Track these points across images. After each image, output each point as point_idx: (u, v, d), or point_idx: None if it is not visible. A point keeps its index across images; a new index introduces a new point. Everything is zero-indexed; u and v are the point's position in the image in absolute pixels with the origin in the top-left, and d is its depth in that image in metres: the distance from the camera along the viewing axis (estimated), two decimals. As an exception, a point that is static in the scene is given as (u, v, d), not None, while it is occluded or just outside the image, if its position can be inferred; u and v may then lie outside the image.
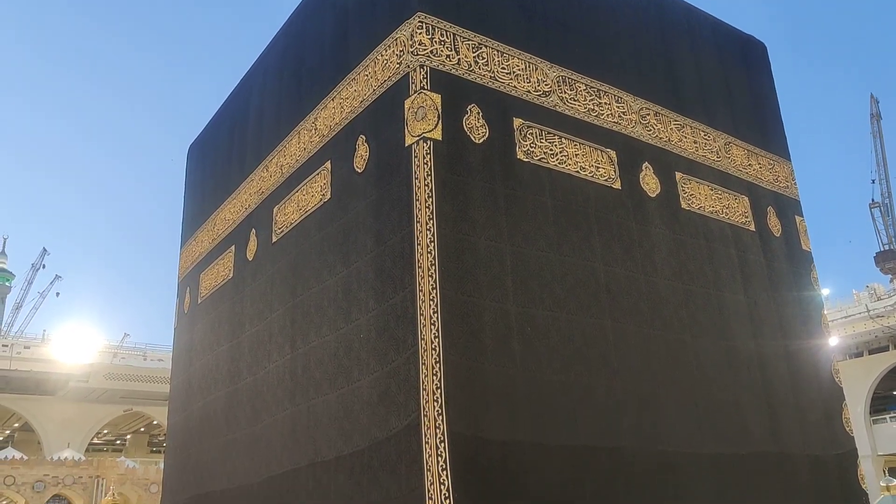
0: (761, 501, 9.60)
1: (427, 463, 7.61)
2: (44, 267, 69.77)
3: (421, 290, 8.23)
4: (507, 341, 8.59)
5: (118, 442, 62.70)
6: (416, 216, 8.53)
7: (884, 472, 34.00)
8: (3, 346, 53.28)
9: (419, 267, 8.35)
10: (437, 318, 8.04)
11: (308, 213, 11.17)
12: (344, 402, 9.43)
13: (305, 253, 11.07)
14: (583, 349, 9.20)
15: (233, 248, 13.85)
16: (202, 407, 13.95)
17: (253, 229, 13.05)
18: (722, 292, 11.15)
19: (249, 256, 13.00)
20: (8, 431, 58.23)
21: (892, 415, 39.73)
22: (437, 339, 7.96)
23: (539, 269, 9.18)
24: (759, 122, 13.71)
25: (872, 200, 70.73)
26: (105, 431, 58.63)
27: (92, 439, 55.58)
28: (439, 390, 7.79)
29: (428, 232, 8.41)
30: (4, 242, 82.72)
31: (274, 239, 12.15)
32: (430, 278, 8.22)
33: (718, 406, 10.31)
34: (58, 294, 72.11)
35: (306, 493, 9.84)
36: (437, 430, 7.65)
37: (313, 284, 10.64)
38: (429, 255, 8.32)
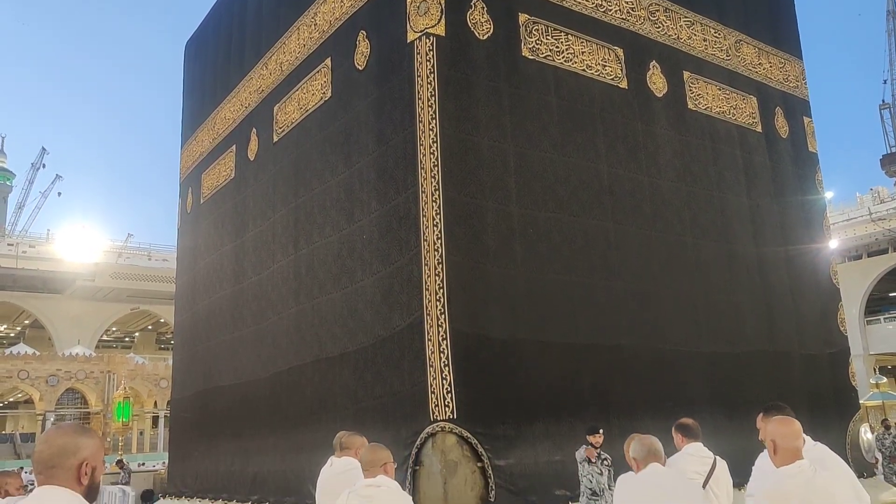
0: (754, 397, 9.89)
1: (429, 359, 7.80)
2: (44, 166, 69.51)
3: (423, 191, 8.21)
4: (509, 242, 8.64)
5: (127, 339, 64.18)
6: (419, 115, 8.41)
7: (874, 370, 34.90)
8: (8, 244, 53.77)
9: (421, 167, 8.30)
10: (440, 219, 8.06)
11: (309, 111, 11.00)
12: (348, 302, 9.58)
13: (307, 153, 10.98)
14: (584, 250, 9.26)
15: (234, 147, 13.73)
16: (208, 305, 14.20)
17: (254, 128, 12.89)
18: (725, 194, 11.12)
19: (251, 156, 12.91)
20: (19, 328, 59.55)
21: (886, 316, 40.43)
22: (439, 240, 8.00)
23: (542, 171, 9.13)
24: (772, 19, 13.28)
25: (883, 101, 69.35)
26: (114, 329, 59.93)
27: (101, 336, 56.87)
28: (441, 290, 7.89)
29: (430, 132, 8.30)
30: (3, 141, 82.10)
31: (275, 138, 12.03)
32: (432, 179, 8.18)
33: (717, 306, 10.48)
34: (59, 194, 72.10)
35: (312, 388, 10.14)
36: (440, 329, 7.81)
37: (315, 185, 10.61)
38: (431, 155, 8.25)
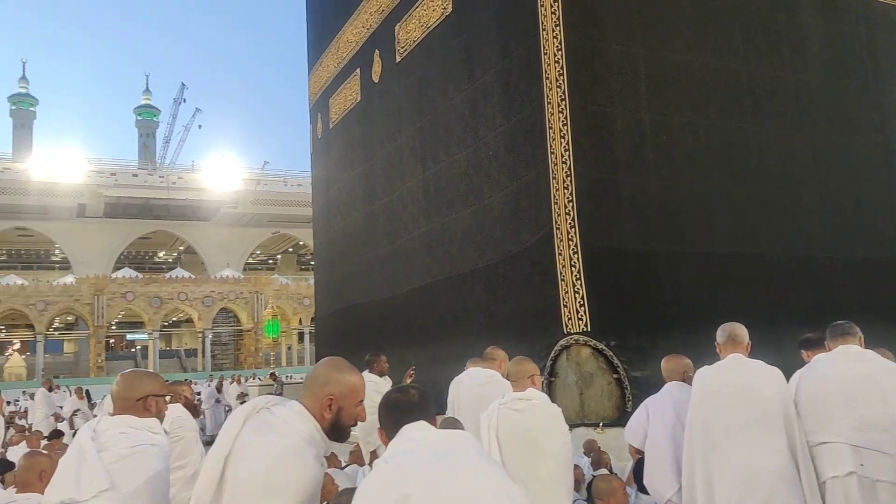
0: (912, 305, 9.23)
1: (561, 274, 7.78)
2: (184, 101, 73.27)
3: (549, 103, 8.01)
4: (641, 151, 8.33)
5: (270, 261, 68.04)
6: (542, 23, 8.13)
7: None
8: (160, 177, 57.72)
9: (546, 78, 8.07)
10: (567, 130, 7.86)
11: (430, 28, 10.89)
12: (476, 219, 9.65)
13: (430, 71, 10.93)
14: (721, 156, 8.79)
15: (358, 70, 13.88)
16: (343, 227, 14.74)
17: (376, 50, 12.94)
18: (883, 86, 10.11)
19: (375, 78, 13.01)
20: (175, 254, 64.45)
21: None
22: (567, 153, 7.83)
23: (675, 74, 8.65)
24: None
25: None
26: (257, 252, 63.66)
27: (247, 259, 60.65)
28: (571, 203, 7.77)
29: (554, 39, 8.02)
30: (147, 79, 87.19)
31: (398, 58, 12.04)
32: (558, 89, 7.96)
33: (871, 209, 9.70)
34: (200, 126, 76.00)
35: (446, 304, 10.41)
36: (570, 243, 7.73)
37: (439, 103, 10.59)
38: (556, 64, 7.99)
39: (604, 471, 5.61)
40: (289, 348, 52.55)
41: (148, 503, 2.39)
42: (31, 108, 77.74)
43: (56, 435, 9.13)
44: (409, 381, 6.97)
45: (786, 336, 7.47)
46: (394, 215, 12.17)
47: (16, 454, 6.68)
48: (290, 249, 66.15)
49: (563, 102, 7.89)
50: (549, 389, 7.61)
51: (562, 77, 7.93)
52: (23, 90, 77.86)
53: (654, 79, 8.47)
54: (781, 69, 9.33)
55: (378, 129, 12.90)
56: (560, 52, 7.98)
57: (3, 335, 51.93)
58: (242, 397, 17.06)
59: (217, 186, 55.96)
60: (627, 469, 5.75)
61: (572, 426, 5.33)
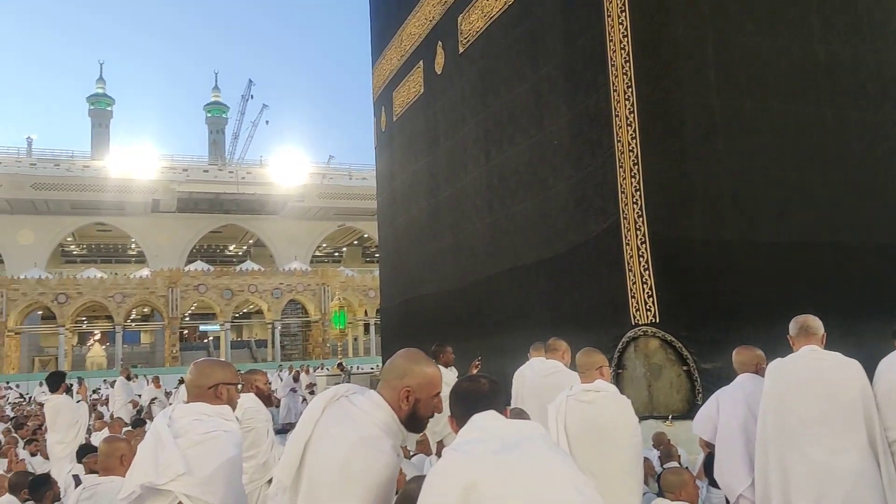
0: None
1: (628, 264, 7.65)
2: (252, 97, 74.68)
3: (615, 90, 7.87)
4: (711, 138, 8.10)
5: (336, 254, 68.97)
6: (607, 9, 7.98)
7: None
8: (229, 172, 59.14)
9: (612, 65, 7.92)
10: (634, 118, 7.71)
11: (493, 18, 10.83)
12: (540, 209, 9.56)
13: (493, 61, 10.88)
14: (796, 140, 8.47)
15: (421, 63, 13.91)
16: (407, 219, 14.82)
17: (439, 41, 12.95)
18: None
19: (438, 70, 13.02)
20: (245, 247, 66.01)
21: None
22: (634, 141, 7.68)
23: (746, 57, 8.37)
24: None
25: None
26: (324, 245, 64.62)
27: (314, 252, 61.67)
28: (638, 192, 7.63)
29: (620, 26, 7.86)
30: (216, 77, 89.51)
31: (461, 50, 12.01)
32: (624, 76, 7.80)
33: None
34: (267, 122, 77.47)
35: (510, 295, 10.36)
36: (638, 232, 7.59)
37: (503, 93, 10.53)
38: (622, 51, 7.83)
39: (674, 464, 5.50)
40: (355, 339, 53.27)
41: (222, 487, 2.46)
42: (108, 108, 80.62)
43: (139, 423, 9.47)
44: (475, 371, 6.96)
45: (867, 327, 7.17)
46: (457, 206, 12.17)
47: (98, 440, 6.95)
48: (356, 242, 66.94)
49: (630, 90, 7.74)
50: (617, 381, 7.50)
51: (628, 64, 7.77)
52: (100, 90, 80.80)
53: (724, 63, 8.22)
54: (861, 48, 8.94)
55: (441, 121, 12.91)
56: (626, 39, 7.82)
57: (84, 326, 54.21)
58: (311, 387, 17.38)
59: (284, 181, 57.04)
60: (698, 462, 5.63)
61: (641, 419, 5.22)
